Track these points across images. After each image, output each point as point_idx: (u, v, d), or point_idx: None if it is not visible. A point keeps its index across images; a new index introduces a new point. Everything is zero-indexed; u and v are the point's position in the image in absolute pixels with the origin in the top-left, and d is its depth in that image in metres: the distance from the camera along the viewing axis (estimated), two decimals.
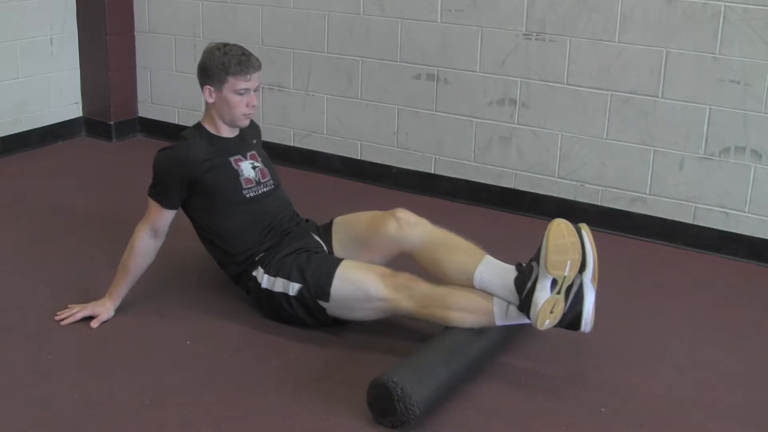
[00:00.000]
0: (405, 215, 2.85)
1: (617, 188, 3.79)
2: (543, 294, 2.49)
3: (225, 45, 2.93)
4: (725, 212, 3.60)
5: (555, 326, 2.58)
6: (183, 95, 4.79)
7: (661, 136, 3.65)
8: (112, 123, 4.91)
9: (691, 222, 3.67)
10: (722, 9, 3.42)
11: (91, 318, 2.90)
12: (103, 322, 2.90)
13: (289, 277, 2.81)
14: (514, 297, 2.58)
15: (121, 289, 2.94)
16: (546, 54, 3.80)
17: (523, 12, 3.80)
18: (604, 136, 3.77)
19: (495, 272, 2.64)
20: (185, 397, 2.52)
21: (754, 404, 2.59)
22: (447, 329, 2.67)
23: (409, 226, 2.82)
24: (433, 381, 2.44)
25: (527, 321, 2.59)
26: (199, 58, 2.99)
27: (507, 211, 4.01)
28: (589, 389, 2.63)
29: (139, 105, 5.01)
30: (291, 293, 2.81)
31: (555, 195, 3.92)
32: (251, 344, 2.82)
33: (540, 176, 3.94)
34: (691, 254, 3.63)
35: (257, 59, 2.93)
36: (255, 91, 2.94)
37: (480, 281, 2.64)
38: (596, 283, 2.57)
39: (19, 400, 2.49)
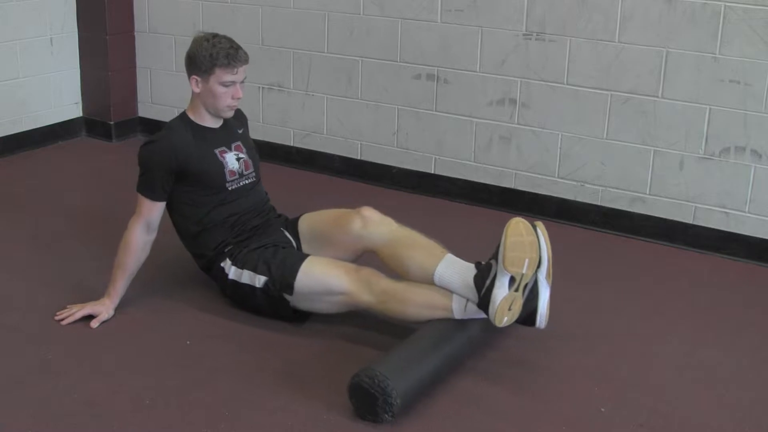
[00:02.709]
0: (370, 214, 2.91)
1: (617, 188, 3.79)
2: (501, 291, 2.54)
3: (214, 36, 2.94)
4: (725, 212, 3.60)
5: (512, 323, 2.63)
6: (183, 95, 4.73)
7: (661, 136, 3.65)
8: (112, 123, 4.91)
9: (691, 222, 3.67)
10: (722, 9, 3.42)
11: (90, 317, 2.90)
12: (103, 322, 2.90)
13: (255, 270, 2.87)
14: (473, 294, 2.63)
15: (119, 287, 2.94)
16: (546, 54, 3.80)
17: (523, 12, 3.80)
18: (604, 136, 3.77)
19: (455, 270, 2.69)
20: (185, 397, 2.52)
21: (754, 404, 2.59)
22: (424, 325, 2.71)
23: (374, 225, 2.88)
24: (401, 359, 2.47)
25: (484, 316, 2.63)
26: None
27: (507, 211, 4.00)
28: (589, 389, 2.63)
29: (139, 105, 5.01)
30: (257, 285, 2.87)
31: (555, 195, 3.92)
32: (251, 344, 2.82)
33: (540, 176, 3.94)
34: (691, 254, 3.63)
35: (245, 53, 2.94)
36: (241, 83, 2.96)
37: (440, 279, 2.70)
38: (551, 279, 2.62)
39: (19, 400, 2.49)
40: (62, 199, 4.06)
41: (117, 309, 2.95)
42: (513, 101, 3.92)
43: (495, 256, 2.58)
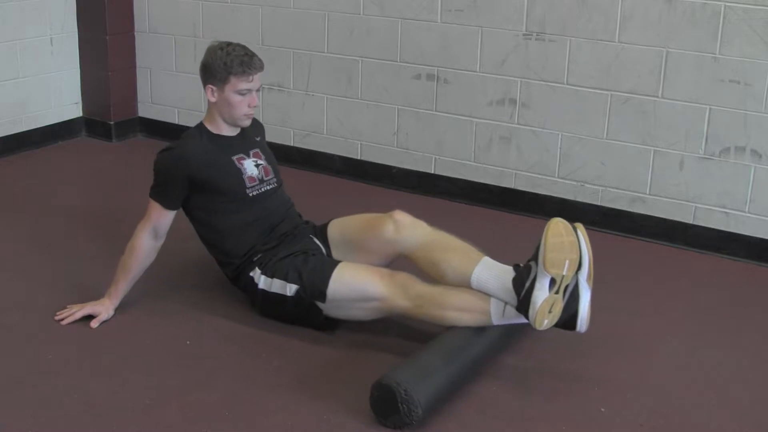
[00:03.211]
0: (402, 217, 2.84)
1: (617, 188, 3.79)
2: (541, 293, 2.49)
3: (228, 44, 2.92)
4: (725, 212, 3.60)
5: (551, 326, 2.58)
6: (183, 95, 4.79)
7: (661, 136, 3.65)
8: (112, 123, 4.91)
9: (691, 222, 3.67)
10: (722, 9, 3.42)
11: (90, 318, 2.90)
12: (103, 322, 2.90)
13: (286, 278, 2.82)
14: (511, 297, 2.58)
15: (120, 289, 2.93)
16: (546, 54, 3.80)
17: (523, 12, 3.80)
18: (604, 136, 3.77)
19: (492, 273, 2.63)
20: (185, 397, 2.52)
21: (754, 404, 2.59)
22: (448, 329, 2.67)
23: (406, 229, 2.81)
24: (435, 382, 2.43)
25: (523, 320, 2.59)
26: (199, 57, 3.00)
27: (507, 211, 4.01)
28: (589, 389, 2.63)
29: (139, 105, 5.01)
30: (288, 294, 2.81)
31: (555, 195, 3.92)
32: (251, 344, 2.82)
33: (540, 176, 3.94)
34: (691, 254, 3.63)
35: (260, 60, 2.92)
36: (257, 91, 2.94)
37: (477, 282, 2.64)
38: (591, 282, 2.57)
39: (19, 400, 2.49)
40: (62, 199, 4.06)
41: (117, 309, 2.95)
42: (513, 101, 3.92)
43: (534, 258, 2.54)
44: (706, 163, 3.59)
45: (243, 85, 2.88)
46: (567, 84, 3.79)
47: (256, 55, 2.92)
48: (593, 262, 2.57)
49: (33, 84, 4.69)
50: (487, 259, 2.69)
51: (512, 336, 2.79)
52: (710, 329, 3.03)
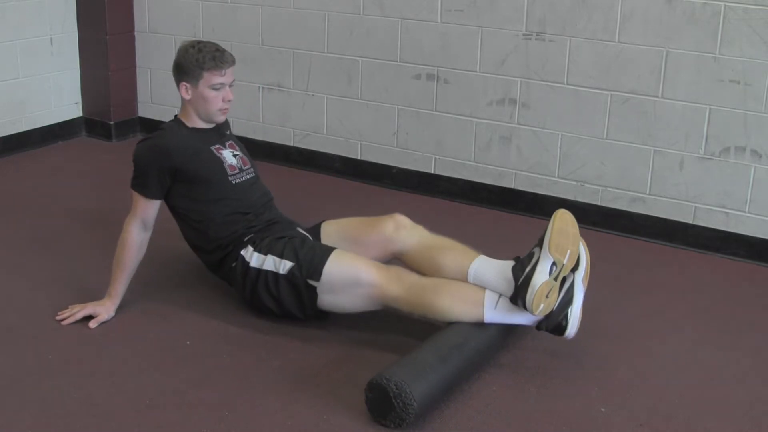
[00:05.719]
0: (402, 219, 2.93)
1: (617, 188, 3.79)
2: (542, 276, 2.54)
3: (199, 42, 3.01)
4: (725, 212, 3.60)
5: (539, 329, 2.66)
6: None
7: (661, 136, 3.65)
8: (112, 123, 4.91)
9: (691, 222, 3.67)
10: (722, 9, 3.42)
11: (91, 318, 2.90)
12: (103, 323, 2.90)
13: (281, 255, 2.83)
14: (509, 287, 2.62)
15: (118, 287, 2.94)
16: (546, 54, 3.80)
17: (523, 12, 3.81)
18: (604, 136, 3.77)
19: (491, 264, 2.71)
20: (185, 397, 2.52)
21: (754, 404, 2.59)
22: (445, 327, 2.68)
23: (406, 229, 2.90)
24: (429, 376, 2.44)
25: (515, 320, 2.65)
26: None
27: (507, 211, 4.01)
28: (589, 389, 2.63)
29: (139, 105, 5.01)
30: (281, 271, 2.82)
31: (555, 195, 3.92)
32: (251, 344, 2.82)
33: (540, 176, 3.94)
34: (691, 254, 3.63)
35: (231, 55, 3.00)
36: (230, 86, 3.00)
37: (474, 275, 2.70)
38: (586, 284, 2.64)
39: (19, 400, 2.49)
40: (62, 199, 4.06)
41: (117, 309, 2.95)
42: (513, 101, 3.92)
43: (539, 244, 2.62)
44: (706, 163, 3.59)
45: (216, 80, 2.95)
46: (567, 84, 3.79)
47: (228, 51, 3.00)
48: (590, 265, 2.64)
49: (33, 84, 4.70)
50: (485, 257, 2.76)
51: (510, 334, 2.80)
52: (710, 329, 3.03)
